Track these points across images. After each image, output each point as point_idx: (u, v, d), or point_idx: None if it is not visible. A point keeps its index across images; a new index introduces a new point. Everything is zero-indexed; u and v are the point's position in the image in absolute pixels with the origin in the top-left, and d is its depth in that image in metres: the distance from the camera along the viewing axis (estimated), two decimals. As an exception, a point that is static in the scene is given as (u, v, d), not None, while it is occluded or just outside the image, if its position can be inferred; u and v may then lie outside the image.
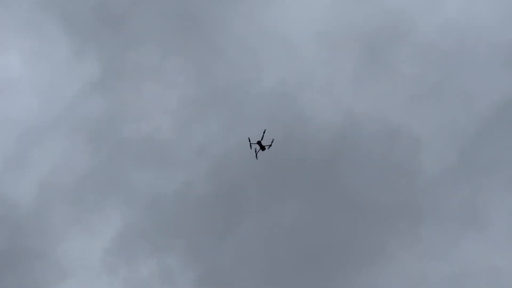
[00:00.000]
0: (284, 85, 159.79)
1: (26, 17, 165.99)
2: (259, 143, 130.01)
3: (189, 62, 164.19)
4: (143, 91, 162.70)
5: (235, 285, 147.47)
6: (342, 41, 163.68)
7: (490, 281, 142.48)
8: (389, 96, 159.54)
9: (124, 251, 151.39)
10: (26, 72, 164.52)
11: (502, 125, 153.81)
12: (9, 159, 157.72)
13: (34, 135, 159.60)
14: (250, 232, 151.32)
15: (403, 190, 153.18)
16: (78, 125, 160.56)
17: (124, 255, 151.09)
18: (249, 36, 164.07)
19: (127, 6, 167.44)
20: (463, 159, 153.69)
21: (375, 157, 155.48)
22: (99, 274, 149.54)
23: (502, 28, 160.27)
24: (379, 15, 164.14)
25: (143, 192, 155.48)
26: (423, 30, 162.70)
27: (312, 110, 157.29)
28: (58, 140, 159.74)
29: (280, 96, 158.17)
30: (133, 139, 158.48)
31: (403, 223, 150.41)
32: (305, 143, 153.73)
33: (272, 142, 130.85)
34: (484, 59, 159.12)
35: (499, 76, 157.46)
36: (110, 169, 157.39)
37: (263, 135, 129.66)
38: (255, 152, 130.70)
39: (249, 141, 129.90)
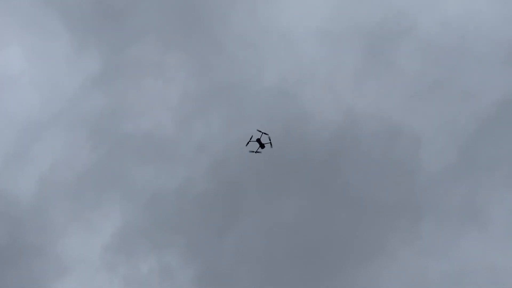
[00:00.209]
0: (285, 82, 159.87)
1: (27, 12, 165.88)
2: (258, 141, 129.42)
3: (190, 59, 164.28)
4: (144, 87, 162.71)
5: (235, 282, 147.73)
6: (343, 39, 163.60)
7: (489, 278, 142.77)
8: (390, 93, 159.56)
9: (124, 248, 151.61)
10: (27, 67, 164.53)
11: (503, 123, 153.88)
12: (9, 154, 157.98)
13: (35, 131, 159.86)
14: (250, 229, 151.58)
15: (403, 188, 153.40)
16: (79, 120, 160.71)
17: (123, 251, 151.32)
18: (250, 32, 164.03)
19: (128, 1, 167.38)
20: (463, 157, 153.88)
21: (375, 154, 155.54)
22: (98, 271, 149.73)
23: (503, 26, 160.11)
24: (380, 12, 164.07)
25: (143, 189, 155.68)
26: (424, 28, 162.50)
27: (313, 107, 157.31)
28: (59, 136, 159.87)
29: (280, 93, 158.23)
30: (134, 135, 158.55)
31: (403, 221, 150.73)
32: (305, 140, 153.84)
33: (270, 141, 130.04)
34: (485, 57, 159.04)
35: (500, 74, 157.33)
36: (110, 165, 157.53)
37: (262, 134, 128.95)
38: (255, 151, 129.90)
39: (250, 139, 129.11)
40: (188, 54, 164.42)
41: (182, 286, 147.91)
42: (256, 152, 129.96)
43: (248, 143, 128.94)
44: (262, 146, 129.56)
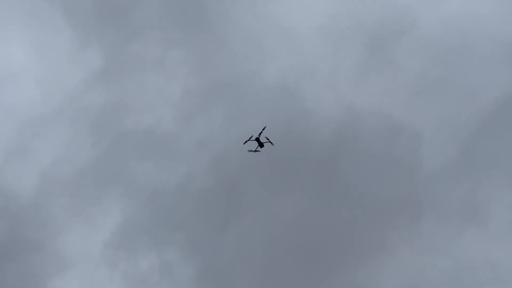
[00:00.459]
0: (286, 79, 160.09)
1: (29, 7, 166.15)
2: (257, 139, 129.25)
3: (192, 55, 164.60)
4: (145, 83, 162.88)
5: (235, 279, 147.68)
6: (345, 36, 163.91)
7: (489, 276, 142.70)
8: (391, 91, 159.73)
9: (124, 244, 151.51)
10: (29, 62, 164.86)
11: (503, 121, 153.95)
12: (11, 149, 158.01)
13: (36, 126, 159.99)
14: (251, 226, 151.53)
15: (403, 185, 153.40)
16: (80, 116, 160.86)
17: (124, 248, 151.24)
18: (252, 29, 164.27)
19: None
20: (464, 155, 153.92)
21: (376, 152, 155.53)
22: (98, 267, 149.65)
23: (504, 24, 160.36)
24: (382, 9, 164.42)
25: (144, 185, 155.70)
26: (425, 25, 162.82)
27: (314, 104, 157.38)
28: (60, 131, 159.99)
29: (282, 90, 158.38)
30: (135, 131, 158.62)
31: (404, 218, 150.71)
32: (306, 137, 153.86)
33: (269, 140, 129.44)
34: (486, 55, 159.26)
35: (501, 72, 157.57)
36: (111, 161, 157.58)
37: (261, 132, 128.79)
38: (254, 150, 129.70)
39: (250, 138, 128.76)
40: (190, 51, 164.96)
41: (182, 282, 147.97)
42: (255, 151, 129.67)
43: (246, 141, 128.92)
44: (261, 145, 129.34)
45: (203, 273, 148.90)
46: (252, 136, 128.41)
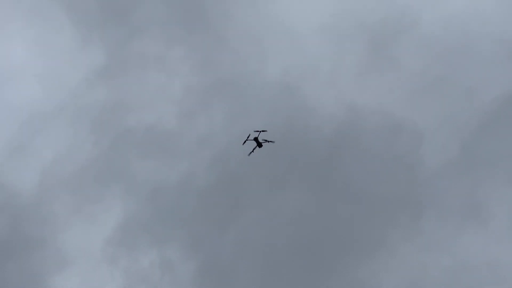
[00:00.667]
0: (287, 76, 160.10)
1: (31, 5, 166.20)
2: (255, 139, 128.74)
3: (193, 53, 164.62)
4: (147, 81, 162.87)
5: (236, 276, 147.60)
6: (346, 34, 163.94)
7: (490, 274, 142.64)
8: (393, 89, 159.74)
9: (125, 241, 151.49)
10: (31, 60, 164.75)
11: (505, 120, 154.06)
12: (12, 147, 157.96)
13: (38, 124, 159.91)
14: (252, 223, 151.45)
15: (405, 183, 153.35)
16: (81, 114, 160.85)
17: (125, 245, 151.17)
18: (253, 27, 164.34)
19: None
20: (465, 153, 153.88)
21: (377, 150, 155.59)
22: (99, 264, 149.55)
23: (506, 23, 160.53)
24: (383, 8, 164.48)
25: (145, 182, 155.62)
26: (427, 24, 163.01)
27: (315, 102, 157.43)
28: (61, 129, 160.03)
29: (283, 88, 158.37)
30: (136, 128, 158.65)
31: (405, 216, 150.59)
32: (307, 135, 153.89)
33: (268, 140, 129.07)
34: (488, 54, 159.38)
35: (503, 70, 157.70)
36: (113, 159, 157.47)
37: (260, 132, 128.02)
38: (253, 150, 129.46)
39: (247, 138, 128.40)
40: (192, 49, 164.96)
41: (183, 280, 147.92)
42: (253, 151, 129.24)
43: (245, 142, 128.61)
44: (259, 145, 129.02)
45: (204, 271, 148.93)
46: (250, 135, 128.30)
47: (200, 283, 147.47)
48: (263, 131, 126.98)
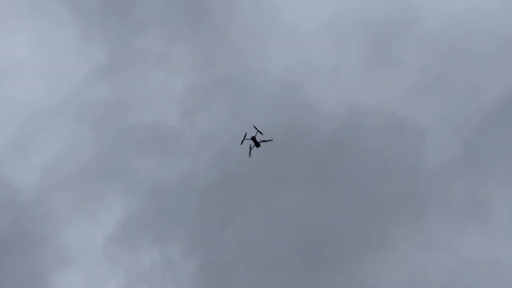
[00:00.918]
0: (289, 75, 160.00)
1: (33, 2, 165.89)
2: (253, 139, 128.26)
3: (195, 51, 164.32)
4: (148, 78, 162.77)
5: (237, 275, 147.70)
6: (349, 32, 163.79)
7: (492, 272, 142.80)
8: (395, 88, 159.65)
9: (127, 239, 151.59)
10: (32, 57, 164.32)
11: (507, 118, 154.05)
12: (13, 144, 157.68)
13: (39, 121, 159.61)
14: (253, 221, 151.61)
15: (406, 182, 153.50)
16: (83, 111, 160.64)
17: (126, 243, 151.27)
18: (255, 25, 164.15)
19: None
20: (467, 151, 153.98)
21: (379, 148, 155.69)
22: (101, 262, 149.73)
23: (508, 21, 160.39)
24: (386, 6, 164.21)
25: (147, 180, 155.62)
26: (429, 22, 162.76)
27: (317, 100, 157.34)
28: (63, 126, 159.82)
29: (285, 86, 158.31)
30: (138, 126, 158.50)
31: (406, 215, 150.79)
32: (309, 133, 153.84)
33: (265, 140, 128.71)
34: (490, 52, 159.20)
35: (505, 69, 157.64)
36: (114, 156, 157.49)
37: (257, 131, 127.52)
38: (250, 148, 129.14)
39: (245, 137, 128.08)
40: (193, 46, 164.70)
41: (184, 278, 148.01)
42: (250, 150, 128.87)
43: (242, 141, 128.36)
44: (257, 144, 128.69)
45: (205, 269, 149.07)
46: (247, 134, 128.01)
47: (201, 281, 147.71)
48: (260, 132, 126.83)
